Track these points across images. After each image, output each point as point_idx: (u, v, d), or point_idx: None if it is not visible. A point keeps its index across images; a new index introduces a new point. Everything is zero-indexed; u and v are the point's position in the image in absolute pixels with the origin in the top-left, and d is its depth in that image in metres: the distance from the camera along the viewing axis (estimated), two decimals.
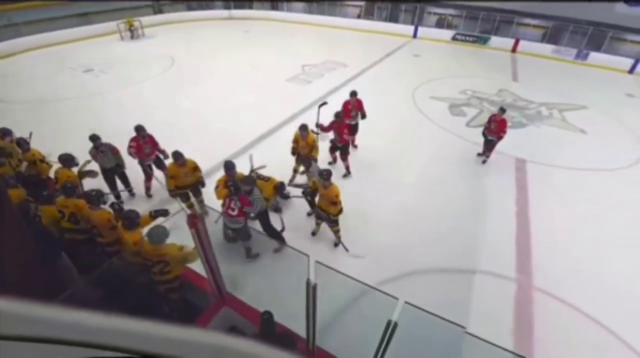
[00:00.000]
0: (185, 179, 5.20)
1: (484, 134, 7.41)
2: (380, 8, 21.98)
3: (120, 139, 5.90)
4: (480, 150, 7.80)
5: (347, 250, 5.21)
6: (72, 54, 15.28)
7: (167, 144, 6.01)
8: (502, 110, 7.10)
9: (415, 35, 19.80)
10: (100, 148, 5.53)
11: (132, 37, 17.95)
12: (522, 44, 17.54)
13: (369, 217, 5.94)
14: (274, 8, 25.53)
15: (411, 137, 8.83)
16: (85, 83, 11.91)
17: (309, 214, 5.80)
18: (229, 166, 4.85)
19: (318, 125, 6.45)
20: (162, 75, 12.88)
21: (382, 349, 2.26)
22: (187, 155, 5.22)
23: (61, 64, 13.85)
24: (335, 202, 4.74)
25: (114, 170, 5.82)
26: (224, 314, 3.50)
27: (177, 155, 5.04)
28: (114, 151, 5.70)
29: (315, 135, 6.23)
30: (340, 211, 4.91)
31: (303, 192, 5.42)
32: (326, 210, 4.86)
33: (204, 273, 3.44)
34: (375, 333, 2.21)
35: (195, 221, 3.37)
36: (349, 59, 14.94)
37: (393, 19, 21.31)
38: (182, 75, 12.82)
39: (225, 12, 23.80)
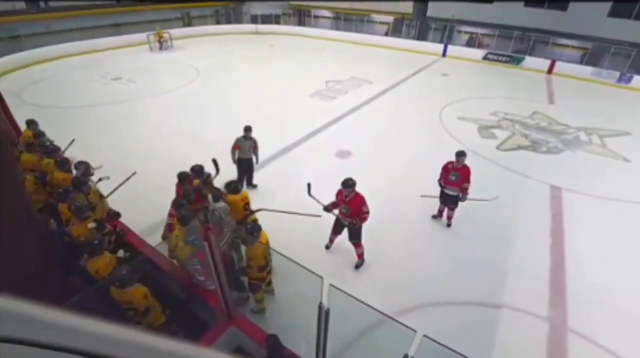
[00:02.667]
0: None
1: (440, 186, 5.96)
2: (409, 25, 22.30)
3: (141, 146, 6.11)
4: (436, 211, 6.40)
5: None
6: (104, 62, 16.28)
7: (187, 152, 6.19)
8: (461, 154, 5.57)
9: (444, 54, 19.85)
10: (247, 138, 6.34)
11: (160, 49, 18.93)
12: (559, 66, 17.19)
13: (388, 240, 5.83)
14: (300, 24, 26.45)
15: (436, 158, 8.67)
16: (113, 91, 12.60)
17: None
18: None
19: (328, 208, 5.02)
20: (187, 86, 13.43)
21: None
22: (207, 167, 5.33)
23: (92, 71, 14.76)
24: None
25: (247, 163, 6.57)
26: (231, 334, 3.47)
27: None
28: (253, 146, 6.49)
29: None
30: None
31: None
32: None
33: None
34: None
35: (209, 234, 3.41)
36: (374, 76, 15.10)
37: (422, 36, 21.55)
38: (206, 87, 13.32)
39: (252, 27, 24.81)
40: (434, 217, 6.43)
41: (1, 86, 10.40)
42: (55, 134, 6.16)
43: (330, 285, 2.47)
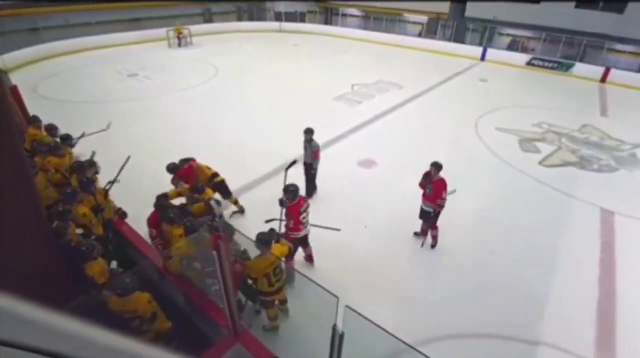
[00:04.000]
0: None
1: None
2: (444, 26, 22.19)
3: (153, 144, 6.28)
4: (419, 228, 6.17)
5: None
6: (121, 57, 16.98)
7: (201, 153, 6.29)
8: (437, 166, 5.46)
9: (483, 58, 19.59)
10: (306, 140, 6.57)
11: (179, 45, 19.59)
12: (614, 73, 16.58)
13: (416, 263, 5.72)
14: (327, 22, 26.80)
15: (471, 173, 8.52)
16: (129, 87, 13.11)
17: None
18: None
19: (283, 202, 4.86)
20: (205, 85, 13.80)
21: None
22: (222, 169, 5.44)
23: (109, 66, 15.43)
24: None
25: (306, 168, 6.78)
26: (236, 353, 3.47)
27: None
28: (314, 153, 6.64)
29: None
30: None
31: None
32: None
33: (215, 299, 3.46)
34: None
35: (219, 241, 3.44)
36: (404, 80, 15.05)
37: (458, 39, 21.37)
38: (224, 86, 13.64)
39: (276, 24, 25.33)
40: (416, 234, 6.17)
41: (18, 78, 11.00)
42: (70, 128, 6.43)
43: (347, 306, 2.44)
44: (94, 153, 5.90)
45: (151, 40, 20.00)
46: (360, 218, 6.55)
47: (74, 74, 14.48)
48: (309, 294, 4.87)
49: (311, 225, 5.33)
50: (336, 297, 2.55)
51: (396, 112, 11.87)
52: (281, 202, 4.86)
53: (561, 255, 6.06)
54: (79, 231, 4.06)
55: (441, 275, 5.51)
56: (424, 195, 5.66)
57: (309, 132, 6.55)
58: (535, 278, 5.54)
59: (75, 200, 4.36)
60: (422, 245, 5.96)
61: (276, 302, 4.29)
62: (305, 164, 6.83)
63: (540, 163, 9.06)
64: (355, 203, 7.07)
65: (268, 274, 3.90)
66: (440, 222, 5.92)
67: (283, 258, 4.25)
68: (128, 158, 5.59)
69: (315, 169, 6.82)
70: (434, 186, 5.50)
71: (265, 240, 3.91)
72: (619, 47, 17.52)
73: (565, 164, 9.13)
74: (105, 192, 5.00)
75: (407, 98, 13.20)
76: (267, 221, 5.15)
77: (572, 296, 5.28)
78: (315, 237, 5.46)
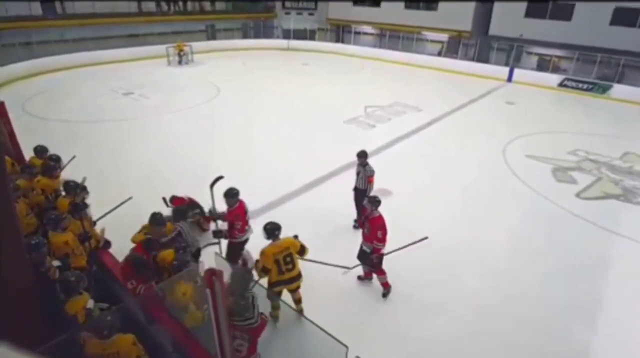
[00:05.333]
0: None
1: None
2: (466, 45, 22.65)
3: (145, 168, 6.33)
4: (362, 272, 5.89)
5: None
6: (116, 75, 17.63)
7: (197, 185, 6.31)
8: (373, 201, 5.24)
9: (510, 79, 19.83)
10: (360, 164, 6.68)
11: (179, 63, 20.29)
12: None
13: (435, 306, 5.55)
14: (339, 40, 27.60)
15: (500, 206, 8.41)
16: (123, 106, 13.51)
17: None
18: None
19: (213, 214, 5.28)
20: (204, 105, 14.14)
21: None
22: (220, 196, 5.43)
23: (103, 84, 16.02)
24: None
25: (358, 194, 6.76)
26: None
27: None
28: (368, 178, 6.64)
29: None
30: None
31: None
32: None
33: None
34: None
35: (214, 279, 3.38)
36: (423, 103, 15.23)
37: (482, 58, 21.75)
38: (226, 107, 13.95)
39: (284, 42, 26.17)
40: (359, 278, 5.86)
41: (6, 94, 11.41)
42: (56, 149, 6.55)
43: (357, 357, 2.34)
44: (84, 179, 5.99)
45: (150, 58, 20.77)
46: None
47: (66, 92, 15.01)
48: (316, 340, 4.73)
49: (321, 263, 5.26)
50: (345, 346, 2.46)
51: (414, 137, 11.91)
52: (216, 233, 5.25)
53: (606, 301, 5.82)
54: (56, 263, 4.02)
55: (464, 319, 5.30)
56: (363, 234, 5.44)
57: (363, 155, 6.64)
58: (580, 329, 5.30)
59: (58, 226, 4.37)
60: (385, 296, 5.61)
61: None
62: (356, 189, 6.88)
63: (577, 195, 8.92)
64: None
65: (278, 260, 4.43)
66: (465, 261, 5.76)
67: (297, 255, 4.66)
68: (129, 198, 5.68)
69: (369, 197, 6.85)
70: (370, 224, 5.22)
71: (274, 228, 4.50)
72: None
73: (607, 196, 8.97)
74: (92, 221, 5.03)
75: (426, 122, 13.29)
76: (205, 246, 5.33)
77: (624, 352, 5.02)
78: (322, 277, 5.36)
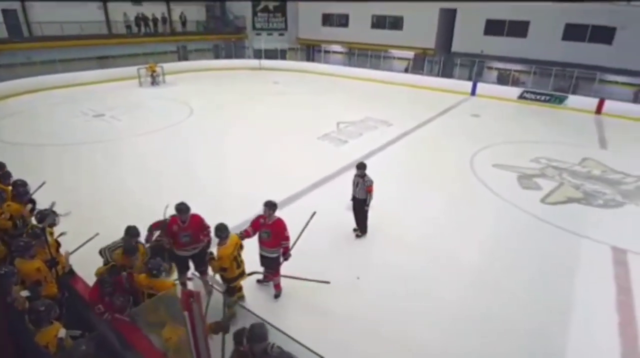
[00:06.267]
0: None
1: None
2: (431, 62, 23.35)
3: (118, 192, 6.15)
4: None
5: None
6: (87, 97, 17.19)
7: (169, 201, 6.17)
8: (270, 206, 5.21)
9: (473, 93, 20.49)
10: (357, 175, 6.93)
11: (152, 84, 19.97)
12: (609, 105, 17.48)
13: (403, 312, 5.55)
14: (309, 59, 27.94)
15: (469, 213, 8.58)
16: (94, 129, 13.14)
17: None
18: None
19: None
20: (177, 126, 13.90)
21: None
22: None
23: (73, 106, 15.59)
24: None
25: (356, 203, 7.11)
26: None
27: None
28: (367, 188, 6.84)
29: None
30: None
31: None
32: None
33: None
34: None
35: (191, 301, 3.28)
36: (393, 117, 15.49)
37: (446, 73, 22.47)
38: (199, 127, 13.77)
39: (255, 62, 26.25)
40: (259, 281, 5.88)
41: None
42: (25, 175, 6.27)
43: None
44: (53, 203, 5.75)
45: (121, 79, 20.39)
46: (352, 268, 6.42)
47: (34, 114, 14.53)
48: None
49: (298, 278, 5.19)
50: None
51: (386, 151, 12.08)
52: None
53: (576, 300, 5.97)
54: (25, 293, 3.79)
55: (443, 323, 5.32)
56: (261, 240, 5.33)
57: (361, 167, 6.89)
58: (546, 330, 5.40)
59: (27, 254, 4.15)
60: (277, 297, 5.69)
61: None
62: (354, 198, 7.10)
63: (542, 200, 9.20)
64: (345, 250, 6.98)
65: (235, 257, 4.75)
66: (436, 266, 5.81)
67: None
68: (96, 234, 5.51)
69: (369, 205, 7.01)
70: (272, 229, 5.19)
71: (223, 228, 4.65)
72: (611, 77, 18.62)
73: (569, 200, 9.28)
74: (57, 244, 4.81)
75: (397, 135, 13.51)
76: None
77: (591, 349, 5.13)
78: (300, 290, 5.29)
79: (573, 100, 18.25)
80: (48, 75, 18.46)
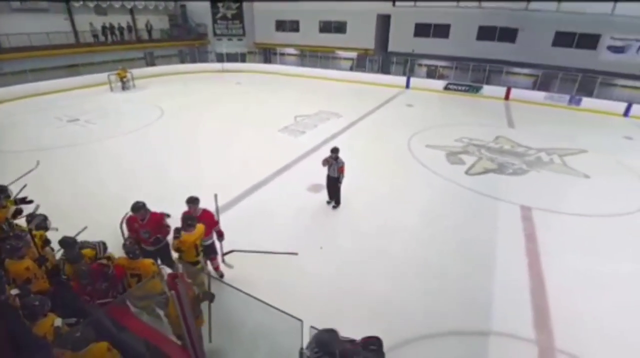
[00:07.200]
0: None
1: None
2: (372, 61, 23.60)
3: (98, 191, 5.82)
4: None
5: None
6: (60, 104, 15.78)
7: (149, 197, 5.92)
8: (192, 201, 4.86)
9: (407, 86, 21.00)
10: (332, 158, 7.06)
11: (123, 89, 18.70)
12: (514, 92, 18.65)
13: (361, 270, 5.75)
14: (266, 61, 27.33)
15: (407, 185, 8.92)
16: (70, 133, 12.11)
17: None
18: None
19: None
20: (150, 126, 13.20)
21: None
22: (172, 210, 5.14)
23: (47, 113, 14.27)
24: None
25: (331, 181, 7.31)
26: None
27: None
28: (340, 168, 7.04)
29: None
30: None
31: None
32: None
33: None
34: None
35: (176, 282, 3.20)
36: (342, 110, 15.58)
37: (385, 70, 22.84)
38: (171, 126, 13.16)
39: (218, 65, 25.29)
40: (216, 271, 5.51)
41: None
42: (4, 181, 5.77)
43: (312, 327, 2.35)
44: (37, 206, 5.34)
45: (92, 85, 18.95)
46: (316, 240, 6.51)
47: (9, 122, 13.19)
48: (273, 320, 4.66)
49: (268, 252, 5.18)
50: (300, 320, 2.46)
51: (338, 139, 12.17)
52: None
53: (495, 249, 6.44)
54: (15, 291, 3.54)
55: (395, 278, 5.56)
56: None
57: (335, 151, 7.06)
58: (474, 273, 5.80)
59: (15, 255, 3.85)
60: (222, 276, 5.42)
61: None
62: (329, 177, 7.32)
63: (466, 172, 9.71)
64: (309, 225, 7.04)
65: (196, 245, 4.51)
66: (388, 228, 6.00)
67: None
68: (85, 228, 5.19)
69: (341, 182, 7.30)
70: (204, 219, 4.84)
71: (191, 218, 4.47)
72: (516, 70, 19.78)
73: (487, 171, 9.87)
74: (43, 243, 4.49)
75: (346, 125, 13.64)
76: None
77: (509, 285, 5.58)
78: (272, 263, 5.30)
79: (487, 89, 19.22)
80: (19, 85, 16.76)
